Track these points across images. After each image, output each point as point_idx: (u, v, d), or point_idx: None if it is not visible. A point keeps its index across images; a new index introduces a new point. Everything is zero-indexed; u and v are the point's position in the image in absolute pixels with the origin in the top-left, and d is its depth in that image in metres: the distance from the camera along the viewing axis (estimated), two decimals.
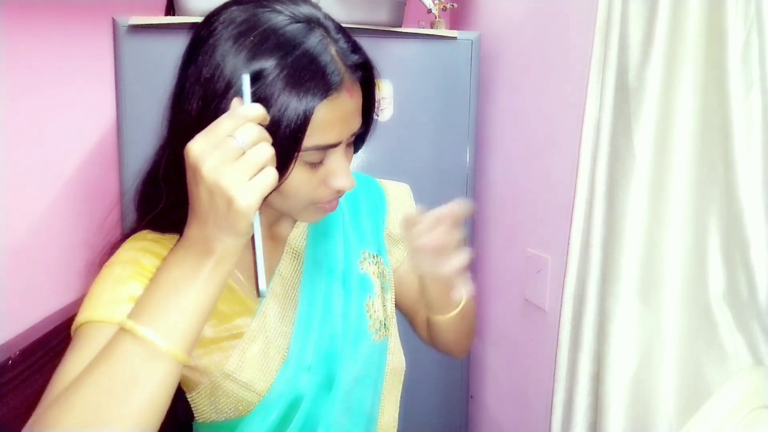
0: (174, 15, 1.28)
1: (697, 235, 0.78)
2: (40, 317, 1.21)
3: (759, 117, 0.69)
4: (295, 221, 0.76)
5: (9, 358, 0.93)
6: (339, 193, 0.64)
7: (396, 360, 0.79)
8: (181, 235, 0.54)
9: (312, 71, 0.54)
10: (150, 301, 0.51)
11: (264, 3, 0.57)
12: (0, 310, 1.53)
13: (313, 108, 0.54)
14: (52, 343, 1.08)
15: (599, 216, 0.91)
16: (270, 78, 0.53)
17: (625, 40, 0.85)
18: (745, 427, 0.70)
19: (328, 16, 0.60)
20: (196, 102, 0.55)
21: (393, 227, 0.82)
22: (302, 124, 0.54)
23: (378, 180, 0.87)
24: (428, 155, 1.41)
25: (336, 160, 0.61)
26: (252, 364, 0.66)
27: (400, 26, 1.38)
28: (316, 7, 0.60)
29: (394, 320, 0.81)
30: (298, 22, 0.56)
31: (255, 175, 0.48)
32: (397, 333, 0.82)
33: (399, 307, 0.85)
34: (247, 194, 0.47)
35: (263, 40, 0.54)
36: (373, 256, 0.78)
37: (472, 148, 1.43)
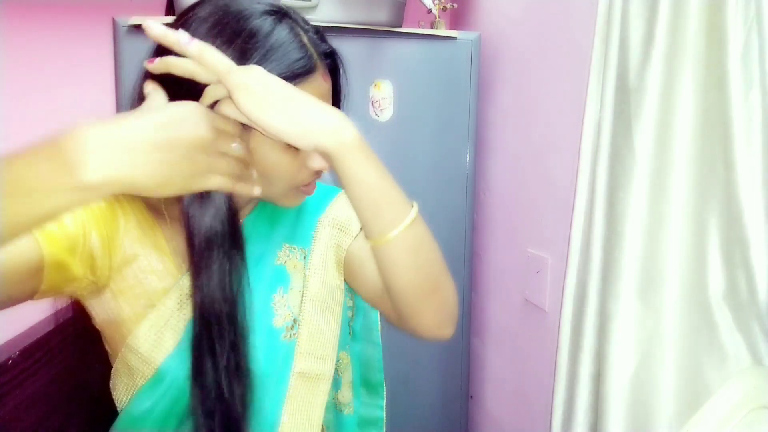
0: (174, 15, 1.28)
1: (697, 235, 0.78)
2: (40, 317, 1.21)
3: (759, 117, 0.69)
4: (250, 212, 0.74)
5: (9, 358, 0.93)
6: (317, 174, 0.68)
7: (307, 364, 0.71)
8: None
9: (292, 53, 0.59)
10: None
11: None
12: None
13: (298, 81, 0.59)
14: (52, 343, 1.07)
15: (599, 216, 0.91)
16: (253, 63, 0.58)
17: (626, 41, 0.85)
18: (745, 427, 0.70)
19: (292, 9, 0.64)
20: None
21: (331, 217, 0.77)
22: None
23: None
24: (428, 155, 1.41)
25: None
26: (148, 340, 0.65)
27: (400, 26, 1.38)
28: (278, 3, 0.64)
29: (315, 321, 0.74)
30: (267, 14, 0.61)
31: None
32: (329, 335, 0.74)
33: (365, 298, 0.77)
34: None
35: (238, 32, 0.59)
36: (299, 250, 0.75)
37: (472, 148, 1.43)
